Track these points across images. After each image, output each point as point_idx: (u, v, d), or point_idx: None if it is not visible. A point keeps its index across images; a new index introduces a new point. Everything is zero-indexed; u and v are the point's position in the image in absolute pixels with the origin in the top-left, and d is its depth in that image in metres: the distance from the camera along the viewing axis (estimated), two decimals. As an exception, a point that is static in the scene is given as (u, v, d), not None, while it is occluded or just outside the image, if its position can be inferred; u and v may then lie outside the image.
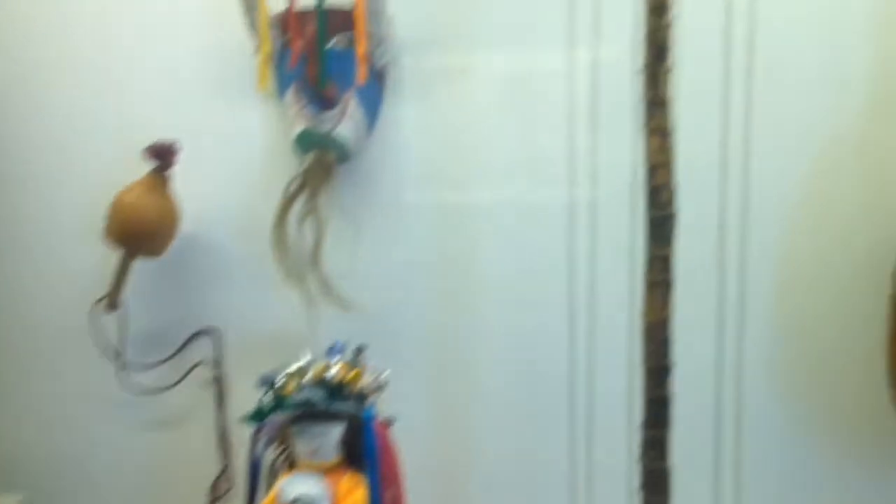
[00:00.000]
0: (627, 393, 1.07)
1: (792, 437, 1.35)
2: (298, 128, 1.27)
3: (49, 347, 1.46)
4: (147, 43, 1.40)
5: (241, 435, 1.24)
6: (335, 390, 1.16)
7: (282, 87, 1.30)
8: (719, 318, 1.10)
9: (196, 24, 1.39)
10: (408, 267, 1.39)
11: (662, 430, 1.03)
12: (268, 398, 1.18)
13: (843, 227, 1.31)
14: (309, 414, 1.14)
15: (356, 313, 1.33)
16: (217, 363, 1.41)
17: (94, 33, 1.41)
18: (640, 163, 1.02)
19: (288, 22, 1.26)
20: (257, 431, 1.18)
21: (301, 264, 1.31)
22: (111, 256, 1.33)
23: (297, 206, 1.30)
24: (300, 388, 1.16)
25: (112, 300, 1.36)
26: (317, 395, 1.14)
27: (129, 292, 1.36)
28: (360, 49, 1.24)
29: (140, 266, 1.36)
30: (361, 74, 1.25)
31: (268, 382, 1.18)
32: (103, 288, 1.35)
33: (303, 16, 1.26)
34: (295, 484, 1.13)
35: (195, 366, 1.41)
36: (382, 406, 1.21)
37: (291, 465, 1.19)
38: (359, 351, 1.24)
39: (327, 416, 1.15)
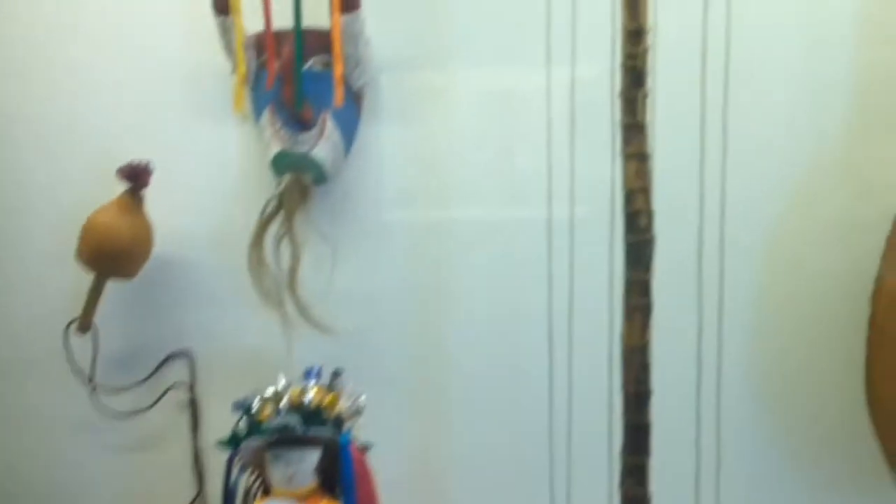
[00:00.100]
0: (608, 419, 1.06)
1: (772, 463, 1.35)
2: (275, 149, 1.26)
3: (21, 370, 1.43)
4: (122, 63, 1.39)
5: (216, 460, 1.22)
6: (312, 415, 1.14)
7: (258, 108, 1.29)
8: (698, 343, 1.10)
9: (171, 44, 1.37)
10: (385, 288, 1.38)
11: (642, 457, 1.03)
12: (243, 423, 1.16)
13: (822, 249, 1.32)
14: (285, 439, 1.13)
15: (333, 335, 1.32)
16: (191, 386, 1.39)
17: (68, 53, 1.40)
18: (619, 184, 1.02)
19: (264, 43, 1.25)
20: (232, 457, 1.16)
21: (277, 286, 1.30)
22: (84, 278, 1.31)
23: (274, 228, 1.29)
24: (276, 413, 1.14)
25: (84, 322, 1.34)
26: (293, 421, 1.13)
27: (101, 314, 1.34)
28: (338, 71, 1.23)
29: (113, 287, 1.34)
30: (338, 96, 1.24)
31: (243, 407, 1.17)
32: (76, 310, 1.33)
33: (280, 37, 1.25)
34: (271, 511, 1.12)
35: (169, 389, 1.39)
36: (359, 430, 1.20)
37: (266, 491, 1.18)
38: (336, 374, 1.23)
39: (304, 442, 1.13)
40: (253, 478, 1.20)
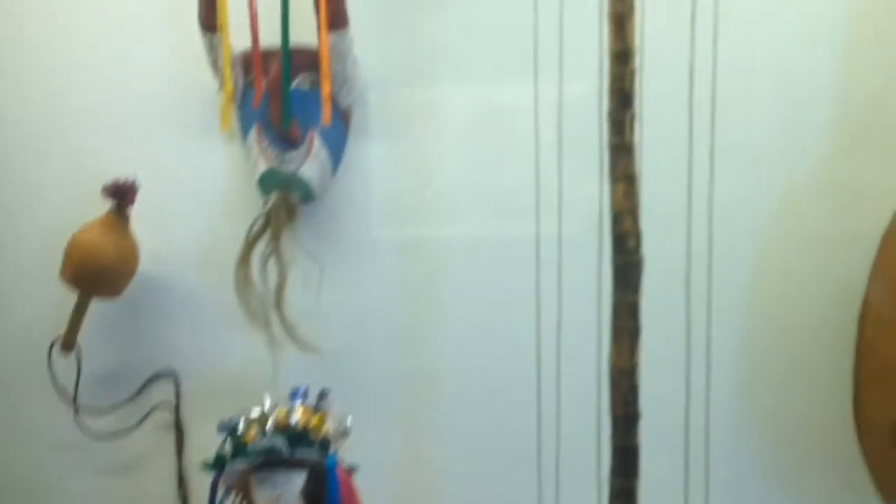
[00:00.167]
0: (596, 441, 1.06)
1: (761, 487, 1.35)
2: (261, 168, 1.25)
3: (3, 389, 1.42)
4: (108, 80, 1.38)
5: (201, 482, 1.21)
6: (298, 437, 1.13)
7: (245, 126, 1.29)
8: (687, 365, 1.10)
9: (158, 61, 1.37)
10: (372, 307, 1.37)
11: (631, 480, 1.02)
12: (228, 445, 1.15)
13: (808, 271, 1.32)
14: (271, 462, 1.12)
15: (320, 355, 1.31)
16: (176, 407, 1.38)
17: (54, 69, 1.39)
18: (607, 205, 1.02)
19: (251, 61, 1.24)
20: (217, 479, 1.15)
21: (264, 306, 1.29)
22: (68, 296, 1.30)
23: (260, 247, 1.28)
24: (262, 434, 1.13)
25: (68, 341, 1.33)
26: (279, 443, 1.12)
27: (86, 333, 1.33)
28: (325, 89, 1.23)
29: (97, 306, 1.33)
30: (326, 114, 1.23)
31: (228, 428, 1.15)
32: (60, 329, 1.32)
33: (267, 55, 1.24)
34: (256, 534, 1.10)
35: (153, 409, 1.38)
36: (346, 452, 1.19)
37: (252, 514, 1.16)
38: (322, 395, 1.22)
39: (290, 464, 1.12)
40: (238, 500, 1.19)
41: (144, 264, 1.33)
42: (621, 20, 0.99)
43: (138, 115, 1.38)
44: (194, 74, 1.32)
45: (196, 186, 1.37)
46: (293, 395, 1.21)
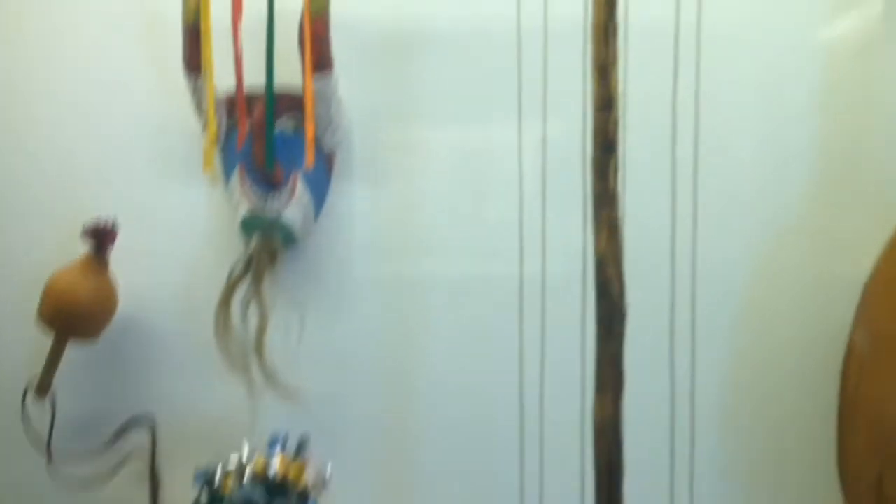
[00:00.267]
0: (580, 493, 1.04)
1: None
2: (244, 211, 1.24)
3: (-26, 436, 1.39)
4: (90, 119, 1.37)
5: (176, 532, 1.18)
6: (276, 488, 1.11)
7: (228, 168, 1.28)
8: (671, 415, 1.09)
9: (141, 101, 1.36)
10: (354, 353, 1.35)
11: (614, 533, 1.01)
12: (205, 496, 1.12)
13: (792, 319, 1.32)
14: (248, 513, 1.09)
15: (300, 402, 1.28)
16: (152, 454, 1.35)
17: (35, 106, 1.38)
18: (590, 248, 1.01)
19: (235, 103, 1.24)
20: (193, 531, 1.12)
21: (244, 351, 1.27)
22: (44, 340, 1.28)
23: (241, 291, 1.26)
24: (239, 485, 1.11)
25: (42, 385, 1.30)
26: (257, 494, 1.09)
27: (60, 377, 1.30)
28: (309, 132, 1.22)
29: (73, 350, 1.31)
30: (309, 157, 1.23)
31: (205, 478, 1.13)
32: (34, 372, 1.29)
33: (251, 97, 1.24)
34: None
35: (128, 457, 1.35)
36: (326, 501, 1.16)
37: (228, 566, 1.13)
38: (302, 443, 1.20)
39: (267, 516, 1.10)
40: (214, 552, 1.16)
41: (123, 307, 1.31)
42: (605, 69, 0.99)
43: (120, 156, 1.36)
44: (177, 115, 1.31)
45: (177, 229, 1.35)
46: (272, 443, 1.20)
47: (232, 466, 1.13)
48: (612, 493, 1.01)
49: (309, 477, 1.14)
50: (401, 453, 1.35)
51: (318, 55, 1.22)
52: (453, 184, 1.35)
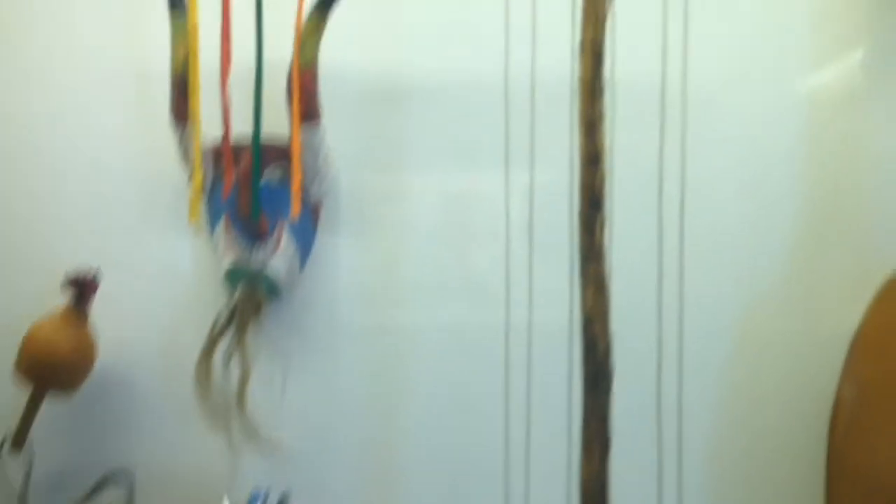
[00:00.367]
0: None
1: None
2: (228, 262, 1.23)
3: (-54, 488, 1.35)
4: (75, 167, 1.36)
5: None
6: (255, 547, 1.08)
7: (213, 219, 1.27)
8: (658, 473, 1.07)
9: (126, 151, 1.35)
10: (337, 407, 1.33)
11: None
12: (181, 556, 1.09)
13: (778, 376, 1.31)
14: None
15: (281, 457, 1.26)
16: (130, 510, 1.32)
17: (17, 154, 1.37)
18: (577, 304, 1.00)
19: (222, 154, 1.23)
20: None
21: (225, 404, 1.24)
22: (20, 392, 1.25)
23: (224, 343, 1.24)
24: (217, 544, 1.08)
25: (18, 439, 1.27)
26: (234, 554, 1.06)
27: (37, 431, 1.27)
28: (295, 183, 1.22)
29: (51, 403, 1.28)
30: (295, 208, 1.22)
31: (182, 537, 1.10)
32: (10, 426, 1.26)
33: (238, 147, 1.24)
34: None
35: (104, 513, 1.32)
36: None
37: None
38: (283, 500, 1.18)
39: (245, 577, 1.07)
40: None
41: (102, 359, 1.28)
42: (592, 125, 1.00)
43: (104, 204, 1.35)
44: (163, 165, 1.31)
45: (160, 279, 1.34)
46: (253, 499, 1.18)
47: (210, 525, 1.11)
48: (599, 556, 0.99)
49: (290, 536, 1.11)
50: (384, 510, 1.33)
51: (306, 106, 1.22)
52: (440, 237, 1.35)
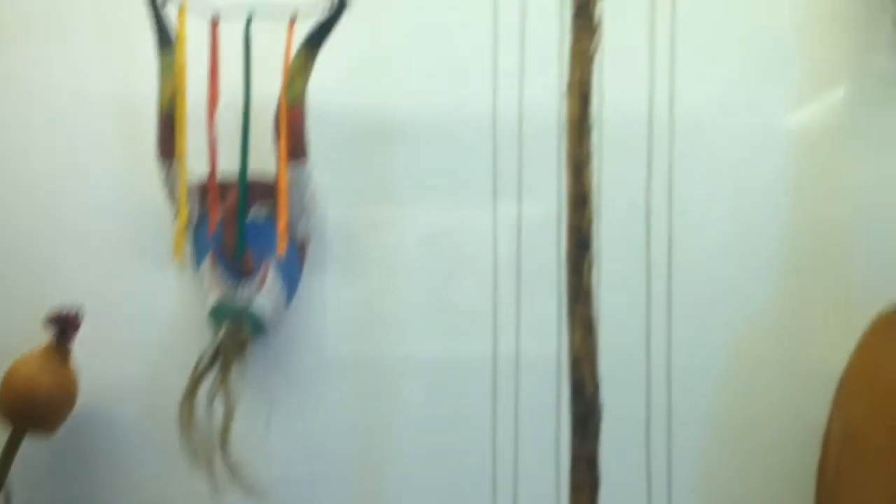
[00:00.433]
0: None
1: None
2: (213, 299, 1.22)
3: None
4: (60, 204, 1.35)
5: None
6: None
7: (198, 256, 1.26)
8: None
9: (112, 187, 1.35)
10: (321, 447, 1.32)
11: None
12: None
13: (767, 414, 1.31)
14: None
15: (264, 498, 1.24)
16: (110, 554, 1.29)
17: (2, 190, 1.36)
18: (565, 344, 1.00)
19: (208, 191, 1.23)
20: None
21: (208, 445, 1.22)
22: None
23: (208, 382, 1.22)
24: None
25: (-4, 480, 1.24)
26: None
27: (16, 472, 1.24)
28: (281, 221, 1.21)
29: (30, 443, 1.25)
30: (281, 246, 1.21)
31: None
32: (-12, 466, 1.24)
33: (224, 185, 1.23)
34: None
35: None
36: None
37: None
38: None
39: None
40: None
41: (83, 398, 1.26)
42: (579, 166, 0.99)
43: (88, 241, 1.34)
44: (148, 201, 1.30)
45: (144, 317, 1.33)
46: (235, 542, 1.14)
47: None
48: None
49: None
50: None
51: (294, 143, 1.22)
52: (427, 275, 1.34)
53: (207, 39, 1.19)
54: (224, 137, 1.20)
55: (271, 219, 1.24)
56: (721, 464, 1.31)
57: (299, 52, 1.22)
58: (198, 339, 1.25)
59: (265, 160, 1.23)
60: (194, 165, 1.21)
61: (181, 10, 1.20)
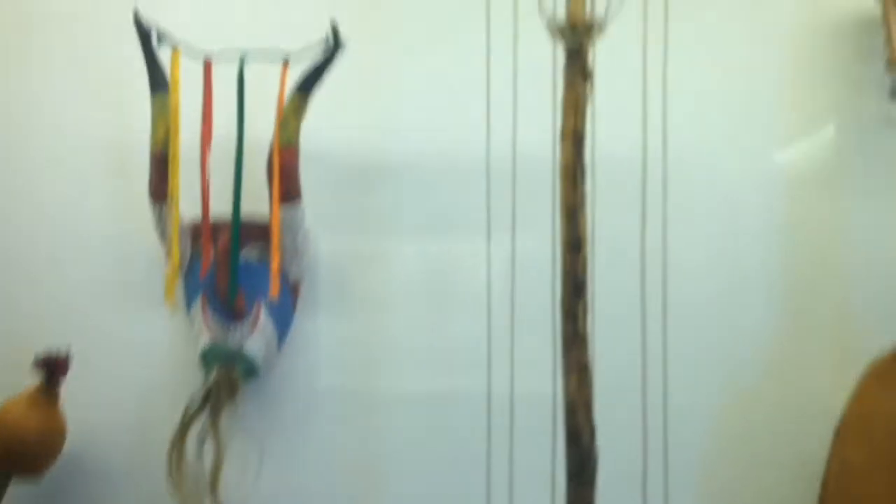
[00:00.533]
0: None
1: None
2: (204, 341, 1.21)
3: None
4: (50, 245, 1.35)
5: None
6: None
7: (190, 297, 1.25)
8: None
9: (103, 228, 1.35)
10: (312, 490, 1.30)
11: None
12: None
13: (765, 458, 1.30)
14: None
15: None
16: None
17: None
18: (560, 391, 0.98)
19: (200, 232, 1.22)
20: None
21: (198, 489, 1.20)
22: (-15, 476, 1.21)
23: (198, 426, 1.21)
24: None
25: (-19, 527, 1.22)
26: None
27: (1, 517, 1.23)
28: (274, 262, 1.20)
29: (16, 488, 1.23)
30: (274, 287, 1.20)
31: None
32: (-27, 512, 1.22)
33: (216, 226, 1.23)
34: None
35: None
36: None
37: None
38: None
39: None
40: None
41: (71, 441, 1.25)
42: (573, 211, 0.99)
43: (78, 283, 1.34)
44: (139, 243, 1.29)
45: (133, 359, 1.32)
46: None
47: None
48: None
49: None
50: None
51: (287, 185, 1.22)
52: (419, 317, 1.34)
53: (201, 81, 1.19)
54: (216, 178, 1.19)
55: (264, 260, 1.23)
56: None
57: (293, 94, 1.22)
58: (188, 382, 1.24)
59: (258, 201, 1.23)
60: (185, 207, 1.20)
61: (175, 52, 1.20)
